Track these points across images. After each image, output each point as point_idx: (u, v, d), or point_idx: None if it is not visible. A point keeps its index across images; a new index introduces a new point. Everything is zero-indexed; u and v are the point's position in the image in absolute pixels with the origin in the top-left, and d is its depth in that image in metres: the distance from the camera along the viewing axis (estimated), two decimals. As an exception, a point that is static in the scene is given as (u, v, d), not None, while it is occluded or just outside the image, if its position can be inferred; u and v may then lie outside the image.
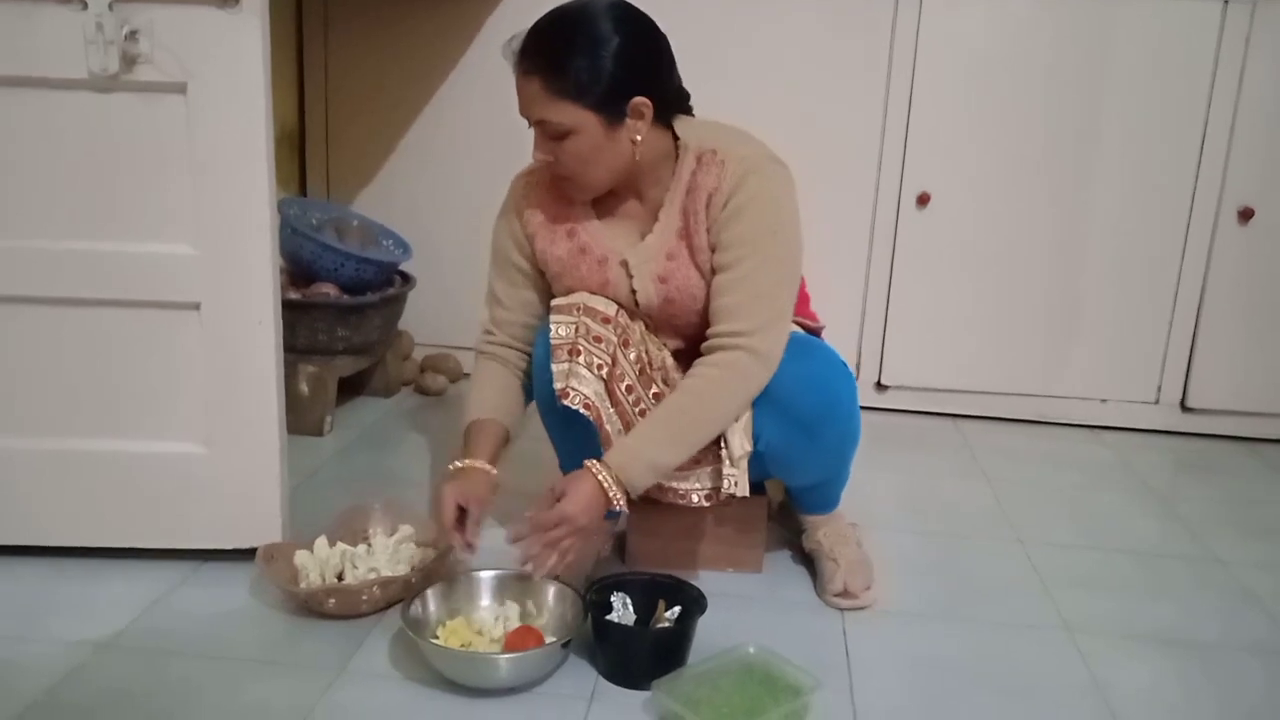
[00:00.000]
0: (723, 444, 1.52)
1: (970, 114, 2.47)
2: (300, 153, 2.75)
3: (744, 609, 1.62)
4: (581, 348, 1.50)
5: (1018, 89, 2.45)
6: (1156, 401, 2.58)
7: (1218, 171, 2.44)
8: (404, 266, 2.55)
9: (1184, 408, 2.57)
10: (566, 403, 1.47)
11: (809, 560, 1.75)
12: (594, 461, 1.45)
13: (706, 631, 1.46)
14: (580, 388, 1.48)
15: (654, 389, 1.58)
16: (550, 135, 1.46)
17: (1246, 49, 2.37)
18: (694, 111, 1.60)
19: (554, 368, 1.50)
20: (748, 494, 1.53)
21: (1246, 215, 2.44)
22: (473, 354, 1.73)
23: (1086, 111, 2.44)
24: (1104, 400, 2.60)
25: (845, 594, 1.65)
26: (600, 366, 1.50)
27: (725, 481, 1.52)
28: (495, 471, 1.59)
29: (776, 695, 1.33)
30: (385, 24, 2.63)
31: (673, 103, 1.54)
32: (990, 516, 2.06)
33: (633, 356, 1.55)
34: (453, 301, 2.67)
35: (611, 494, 1.43)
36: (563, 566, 1.46)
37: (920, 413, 2.65)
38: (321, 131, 2.73)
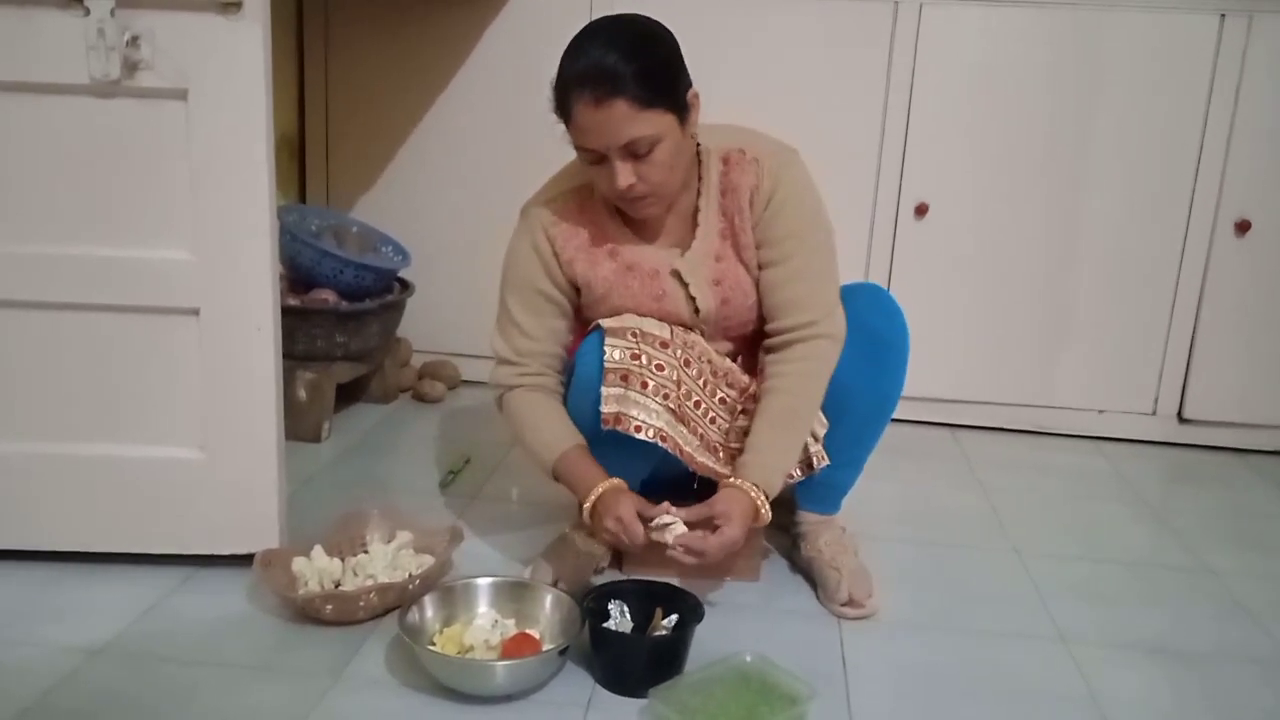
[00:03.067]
0: None
1: (968, 125, 2.48)
2: (300, 159, 2.76)
3: (741, 617, 1.63)
4: (649, 379, 1.50)
5: (1016, 101, 2.46)
6: (1153, 413, 2.58)
7: (1214, 184, 2.44)
8: (403, 273, 2.55)
9: (1181, 419, 2.58)
10: (638, 436, 1.47)
11: (805, 569, 1.75)
12: (742, 481, 1.50)
13: (703, 639, 1.46)
14: (649, 420, 1.48)
15: (719, 394, 1.61)
16: (638, 154, 1.42)
17: (1243, 62, 2.37)
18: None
19: (604, 390, 1.49)
20: (829, 462, 1.64)
21: (1244, 227, 2.44)
22: (497, 382, 1.65)
23: (1084, 123, 2.45)
24: (1101, 411, 2.60)
25: (851, 603, 1.65)
26: (667, 395, 1.51)
27: (814, 460, 1.62)
28: (622, 482, 1.54)
29: (773, 704, 1.33)
30: (385, 31, 2.64)
31: None
32: (986, 526, 2.06)
33: (694, 372, 1.57)
34: (451, 308, 2.67)
35: (763, 510, 1.50)
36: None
37: (917, 422, 2.65)
38: (321, 138, 2.74)
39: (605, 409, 1.49)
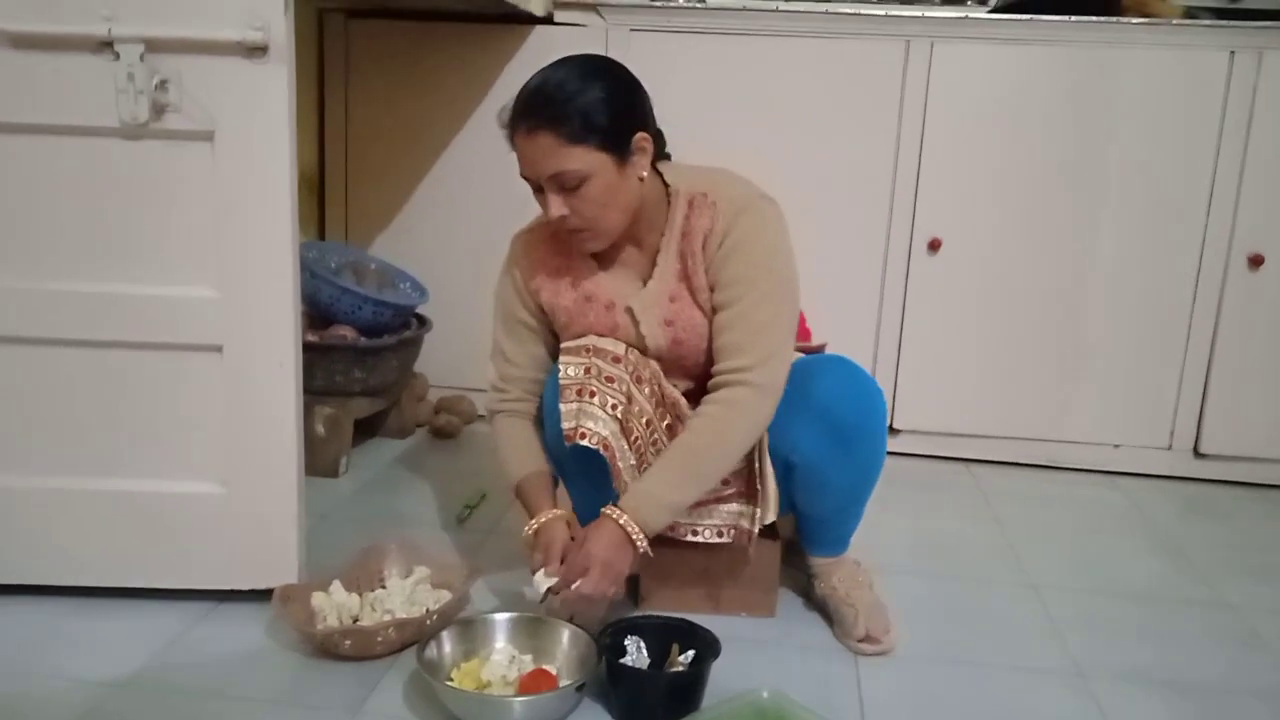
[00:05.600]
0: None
1: (981, 161, 2.50)
2: (320, 196, 2.80)
3: (757, 653, 1.63)
4: (595, 388, 1.52)
5: (1028, 137, 2.48)
6: (1169, 447, 2.58)
7: (1227, 218, 2.45)
8: (420, 309, 2.58)
9: (1197, 453, 2.57)
10: (583, 443, 1.49)
11: (821, 605, 1.76)
12: (611, 507, 1.48)
13: (720, 675, 1.46)
14: (596, 428, 1.50)
15: (667, 421, 1.62)
16: (566, 187, 1.47)
17: (1254, 98, 2.39)
18: (690, 158, 1.66)
19: (562, 407, 1.52)
20: (750, 546, 1.63)
21: (1257, 262, 2.45)
22: (486, 408, 1.75)
23: (1096, 159, 2.47)
24: (1117, 445, 2.60)
25: (868, 639, 1.65)
26: (615, 406, 1.53)
27: (753, 530, 1.63)
28: (567, 514, 1.61)
29: (790, 740, 1.33)
30: (404, 72, 2.68)
31: (659, 146, 1.58)
32: (1002, 560, 2.06)
33: (647, 391, 1.58)
34: (468, 344, 2.69)
35: (635, 537, 1.47)
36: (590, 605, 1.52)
37: (932, 456, 2.65)
38: (341, 176, 2.78)
39: (565, 425, 1.51)
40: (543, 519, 1.58)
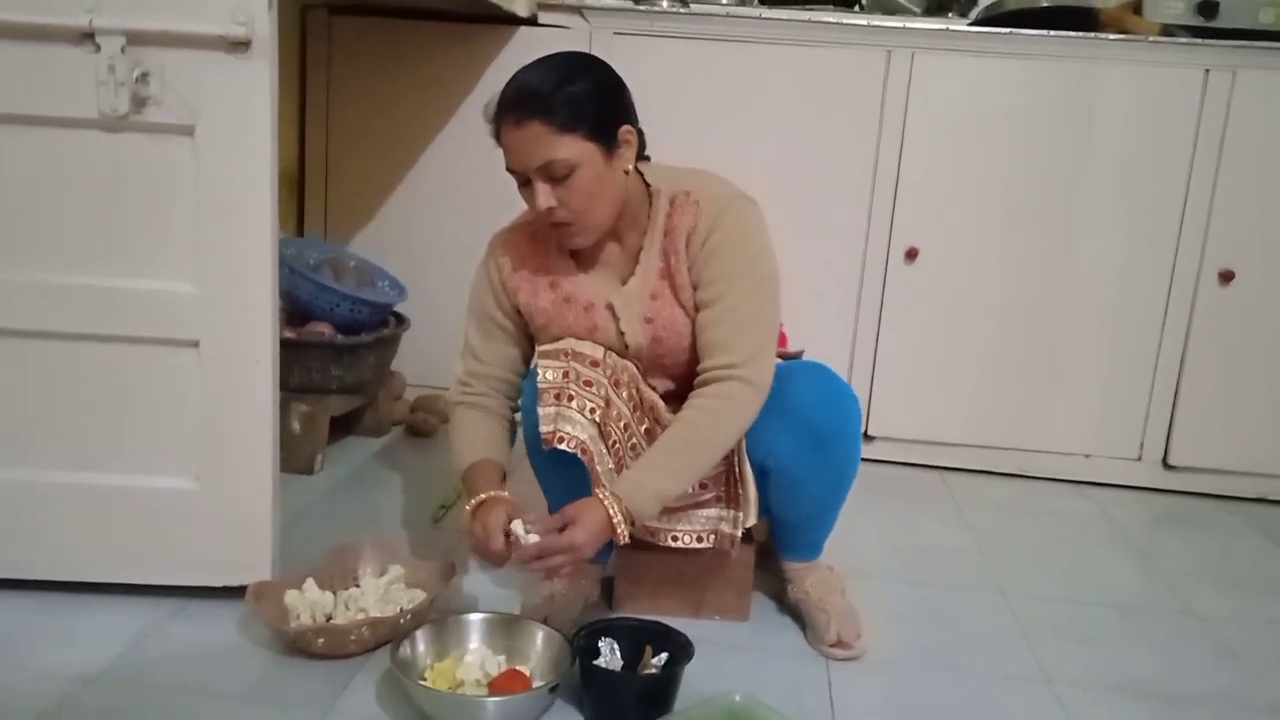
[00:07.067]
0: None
1: (959, 172, 2.52)
2: (299, 193, 2.79)
3: (730, 656, 1.63)
4: (574, 393, 1.52)
5: (1006, 149, 2.50)
6: (1139, 458, 2.61)
7: (1199, 234, 2.49)
8: (398, 308, 2.57)
9: (1166, 465, 2.60)
10: (561, 447, 1.49)
11: (794, 610, 1.77)
12: (602, 491, 1.47)
13: (693, 678, 1.47)
14: (574, 432, 1.50)
15: (645, 425, 1.62)
16: (554, 178, 1.47)
17: (1227, 115, 2.43)
18: (671, 161, 1.66)
19: (540, 411, 1.52)
20: (733, 550, 1.63)
21: (1227, 277, 2.49)
22: (448, 400, 1.74)
23: (1072, 172, 2.50)
24: (1087, 456, 2.63)
25: (840, 644, 1.66)
26: (593, 410, 1.53)
27: (730, 524, 1.63)
28: (511, 500, 1.57)
29: (761, 743, 1.34)
30: (387, 70, 2.68)
31: (641, 144, 1.59)
32: (974, 568, 2.08)
33: (625, 395, 1.58)
34: (446, 343, 2.66)
35: (618, 525, 1.46)
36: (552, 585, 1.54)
37: (906, 464, 2.67)
38: (321, 172, 2.77)
39: (543, 428, 1.51)
40: (484, 497, 1.54)
